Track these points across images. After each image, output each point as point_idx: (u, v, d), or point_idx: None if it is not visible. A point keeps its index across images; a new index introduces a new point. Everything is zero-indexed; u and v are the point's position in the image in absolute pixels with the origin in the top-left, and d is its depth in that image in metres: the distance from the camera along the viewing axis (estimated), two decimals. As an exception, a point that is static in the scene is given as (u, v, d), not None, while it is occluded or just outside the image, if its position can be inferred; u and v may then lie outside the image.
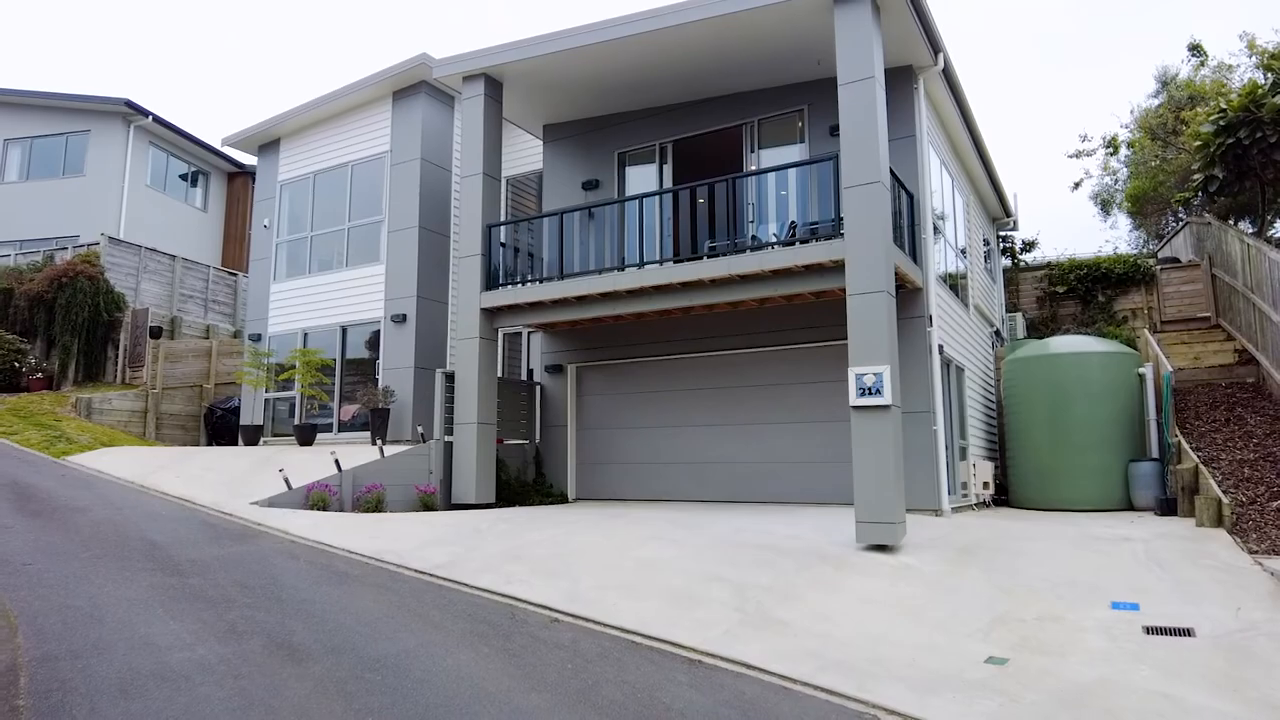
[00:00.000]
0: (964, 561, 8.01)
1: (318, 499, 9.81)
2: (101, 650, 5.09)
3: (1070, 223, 38.11)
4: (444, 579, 7.17)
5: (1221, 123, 12.25)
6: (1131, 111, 20.25)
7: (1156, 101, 19.18)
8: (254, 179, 24.36)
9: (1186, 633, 5.98)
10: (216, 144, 23.58)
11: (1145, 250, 19.69)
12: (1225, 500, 9.06)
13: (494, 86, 11.91)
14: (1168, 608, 6.57)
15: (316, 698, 4.58)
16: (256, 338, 15.49)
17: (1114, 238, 22.08)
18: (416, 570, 7.41)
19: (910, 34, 9.79)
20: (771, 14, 9.59)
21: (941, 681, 5.15)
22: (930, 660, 5.53)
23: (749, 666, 5.34)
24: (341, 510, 10.01)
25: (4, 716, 4.19)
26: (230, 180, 25.15)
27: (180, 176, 23.97)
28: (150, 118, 21.54)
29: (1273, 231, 13.63)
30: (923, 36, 9.90)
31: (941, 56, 10.40)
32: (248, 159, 20.95)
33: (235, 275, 21.65)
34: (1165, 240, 18.75)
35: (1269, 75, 12.45)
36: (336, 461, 10.29)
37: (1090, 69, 54.04)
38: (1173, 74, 18.86)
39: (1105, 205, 21.76)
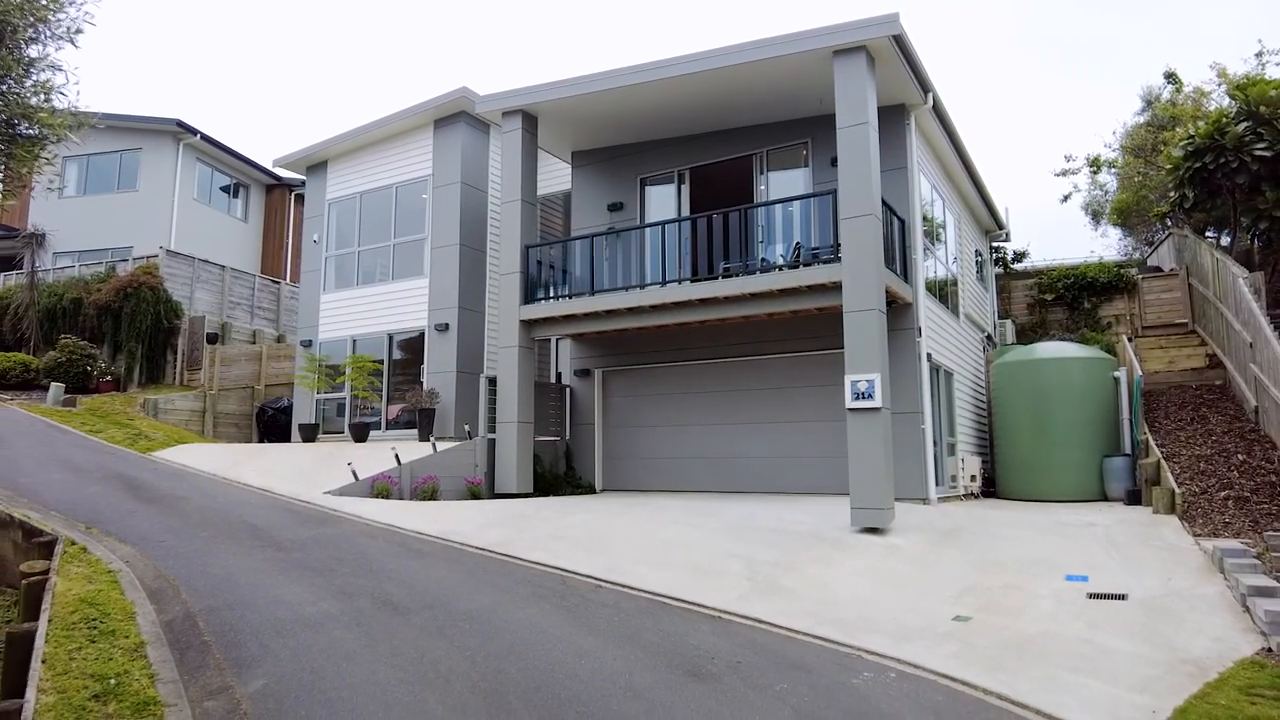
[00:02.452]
0: (944, 542, 9.30)
1: (381, 489, 11.21)
2: (248, 605, 6.47)
3: (1064, 228, 39.38)
4: (502, 554, 8.52)
5: (1190, 148, 13.43)
6: (1115, 133, 21.47)
7: (1143, 118, 20.33)
8: (291, 190, 25.88)
9: (1121, 597, 7.25)
10: (257, 158, 25.09)
11: (1135, 257, 20.84)
12: (1178, 490, 10.30)
13: (530, 121, 13.26)
14: (1112, 579, 7.84)
15: (424, 638, 5.94)
16: (308, 343, 16.90)
17: (1106, 245, 23.35)
18: (477, 547, 8.76)
19: (902, 78, 11.05)
20: (779, 63, 10.87)
21: (915, 634, 6.44)
22: (908, 619, 6.82)
23: (759, 621, 6.63)
24: (401, 499, 11.39)
25: (199, 648, 5.59)
26: (269, 192, 26.61)
27: (222, 189, 25.45)
28: (198, 136, 23.02)
29: (1241, 243, 14.77)
30: (913, 80, 11.16)
31: (931, 95, 11.65)
32: (286, 173, 22.37)
33: (278, 283, 23.11)
34: (1153, 249, 19.91)
35: (1234, 102, 13.61)
36: (396, 456, 11.69)
37: (1089, 78, 54.85)
38: (1157, 93, 20.05)
39: (1096, 215, 22.94)
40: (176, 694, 4.79)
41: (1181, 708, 4.94)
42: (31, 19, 3.48)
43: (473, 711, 4.71)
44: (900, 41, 10.26)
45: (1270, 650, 5.94)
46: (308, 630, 5.97)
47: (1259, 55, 16.58)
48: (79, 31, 6.53)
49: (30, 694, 4.45)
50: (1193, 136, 13.53)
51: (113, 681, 4.77)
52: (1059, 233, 41.00)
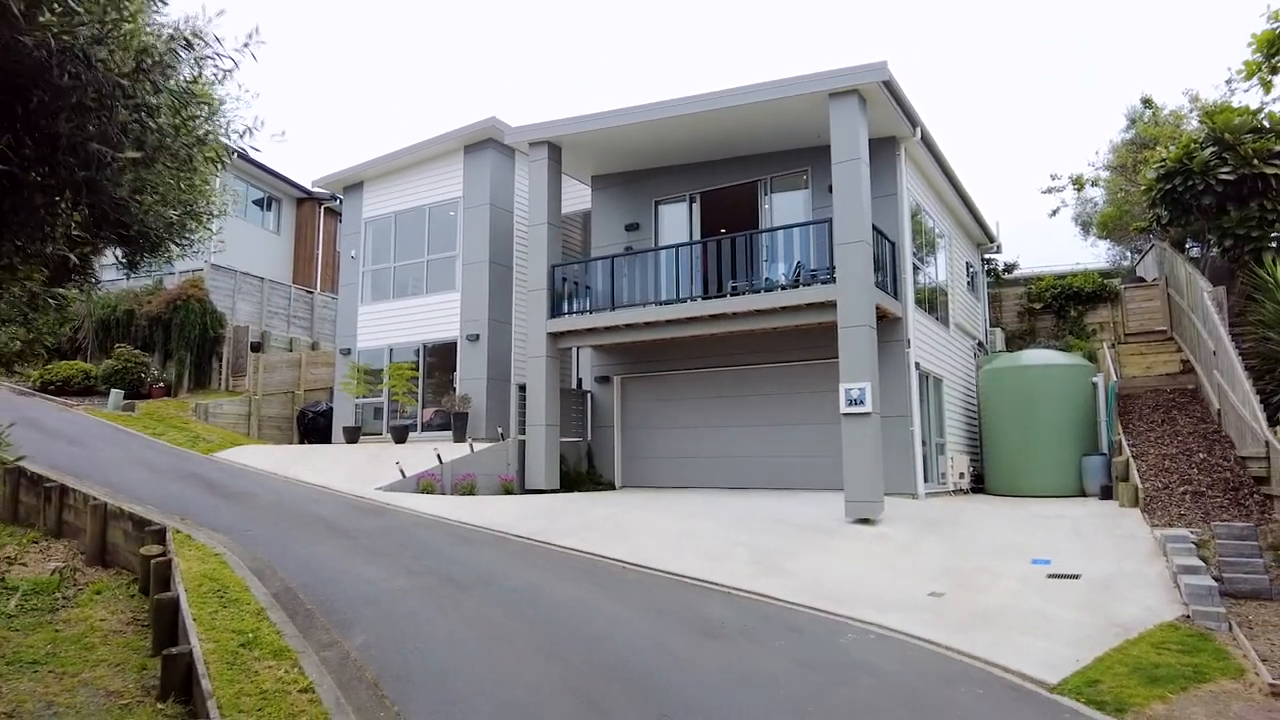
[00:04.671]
0: (928, 532, 10.49)
1: (426, 485, 12.49)
2: (336, 581, 7.75)
3: (1056, 237, 40.52)
4: (540, 541, 9.76)
5: (1162, 171, 14.53)
6: (1098, 152, 22.61)
7: (1129, 135, 21.43)
8: (320, 204, 27.22)
9: (1075, 577, 8.42)
10: (288, 174, 26.41)
11: (1123, 266, 21.95)
12: (1141, 486, 11.45)
13: (555, 150, 14.54)
14: (1072, 562, 9.00)
15: (486, 606, 7.20)
16: (346, 352, 18.22)
17: (1095, 254, 24.54)
18: (518, 535, 10.01)
19: (892, 115, 12.24)
20: (781, 103, 12.12)
21: (896, 606, 7.63)
22: (891, 594, 8.01)
23: (763, 596, 7.83)
24: (444, 494, 12.67)
25: (305, 613, 6.85)
26: (299, 205, 27.94)
27: (255, 202, 26.77)
28: (235, 154, 24.31)
29: (1216, 258, 15.86)
30: (902, 117, 12.35)
31: (919, 129, 12.84)
32: (317, 189, 23.65)
33: (311, 293, 24.46)
34: (1140, 258, 21.00)
35: (1204, 128, 14.70)
36: (439, 456, 12.98)
37: (1085, 89, 55.76)
38: (1139, 113, 21.15)
39: (1085, 226, 24.05)
40: (300, 645, 6.06)
41: (1100, 656, 6.16)
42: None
43: (535, 661, 5.96)
44: (889, 85, 11.46)
45: (1188, 617, 7.13)
46: (389, 600, 7.25)
47: (1229, 82, 17.67)
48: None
49: (194, 640, 5.73)
50: (1164, 160, 14.62)
51: (250, 635, 6.05)
52: (1051, 241, 42.29)
